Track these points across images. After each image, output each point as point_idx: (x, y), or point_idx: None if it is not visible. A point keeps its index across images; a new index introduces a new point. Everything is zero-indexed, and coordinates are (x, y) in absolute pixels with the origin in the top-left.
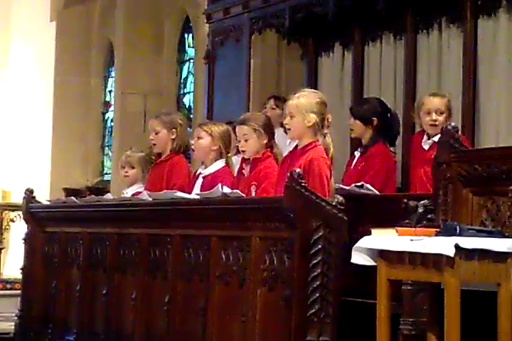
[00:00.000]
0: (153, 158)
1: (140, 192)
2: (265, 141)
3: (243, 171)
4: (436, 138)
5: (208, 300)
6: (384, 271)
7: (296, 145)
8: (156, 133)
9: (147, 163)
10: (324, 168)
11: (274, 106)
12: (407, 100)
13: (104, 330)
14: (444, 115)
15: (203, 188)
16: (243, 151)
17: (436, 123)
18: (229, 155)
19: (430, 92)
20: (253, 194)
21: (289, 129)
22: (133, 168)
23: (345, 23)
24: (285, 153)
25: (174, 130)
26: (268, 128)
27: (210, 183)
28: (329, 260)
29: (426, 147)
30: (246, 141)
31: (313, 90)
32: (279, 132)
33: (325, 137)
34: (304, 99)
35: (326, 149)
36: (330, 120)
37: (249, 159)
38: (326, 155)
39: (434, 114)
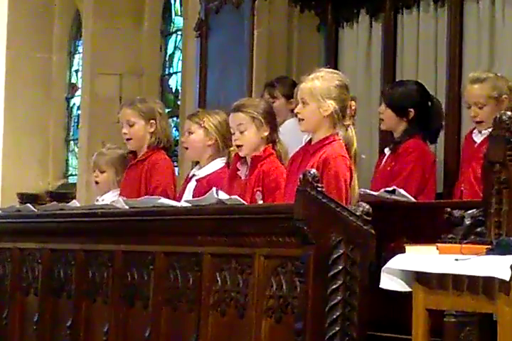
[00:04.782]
0: (127, 156)
1: None
2: (266, 134)
3: (238, 172)
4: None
5: (199, 335)
6: (422, 298)
7: (310, 140)
8: (131, 126)
9: (125, 163)
10: (342, 168)
11: (270, 98)
12: (451, 83)
13: None
14: (489, 106)
15: (196, 193)
16: (238, 147)
17: (477, 119)
18: (231, 149)
19: (471, 75)
20: (260, 202)
21: (302, 120)
22: (103, 171)
23: None
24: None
25: (153, 121)
26: (270, 118)
27: (205, 187)
28: (352, 284)
29: (477, 140)
30: (242, 133)
31: (331, 70)
32: (292, 122)
33: (347, 129)
34: (319, 82)
35: (348, 145)
36: (354, 108)
37: (245, 157)
38: (346, 152)
39: (473, 108)
